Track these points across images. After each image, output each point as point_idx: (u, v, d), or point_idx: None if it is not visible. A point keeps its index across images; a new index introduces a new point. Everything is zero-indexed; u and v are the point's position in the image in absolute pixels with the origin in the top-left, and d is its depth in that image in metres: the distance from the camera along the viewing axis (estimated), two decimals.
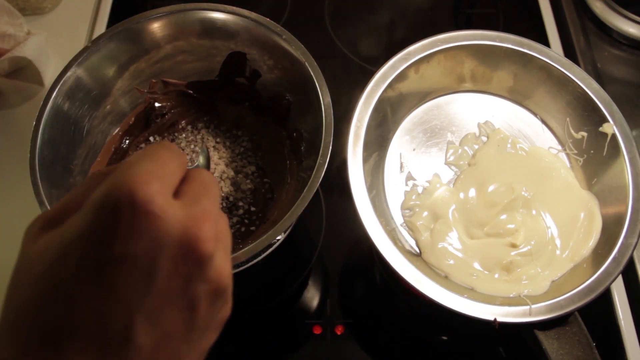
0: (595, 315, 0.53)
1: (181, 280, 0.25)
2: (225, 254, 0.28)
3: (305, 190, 0.47)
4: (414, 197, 0.54)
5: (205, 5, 0.56)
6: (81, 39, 0.76)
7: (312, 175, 0.47)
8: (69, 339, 0.24)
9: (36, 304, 0.24)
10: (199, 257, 0.25)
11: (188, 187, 0.27)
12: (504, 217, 0.53)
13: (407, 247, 0.52)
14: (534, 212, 0.54)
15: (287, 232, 0.54)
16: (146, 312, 0.24)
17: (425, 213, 0.53)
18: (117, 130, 0.59)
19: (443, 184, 0.55)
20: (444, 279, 0.50)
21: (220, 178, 0.58)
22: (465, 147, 0.58)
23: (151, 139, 0.61)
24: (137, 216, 0.23)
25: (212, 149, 0.60)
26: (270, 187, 0.59)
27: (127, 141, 0.60)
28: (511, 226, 0.53)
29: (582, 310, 0.46)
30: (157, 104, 0.61)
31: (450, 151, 0.57)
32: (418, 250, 0.52)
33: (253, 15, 0.55)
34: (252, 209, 0.57)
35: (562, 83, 0.57)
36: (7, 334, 0.25)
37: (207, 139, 0.61)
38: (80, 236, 0.24)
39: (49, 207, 0.46)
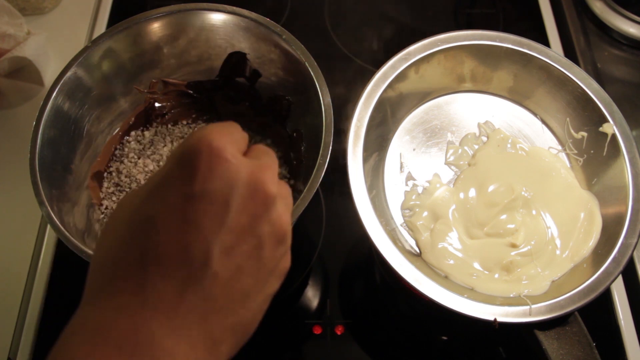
0: (595, 315, 0.53)
1: (250, 218, 0.29)
2: (287, 207, 0.32)
3: (305, 190, 0.47)
4: (414, 197, 0.54)
5: (205, 5, 0.56)
6: (81, 39, 0.76)
7: (312, 175, 0.47)
8: (154, 264, 0.27)
9: (125, 239, 0.28)
10: (264, 197, 0.29)
11: (251, 151, 0.32)
12: (504, 217, 0.53)
13: (407, 247, 0.52)
14: (534, 212, 0.54)
15: None
16: (222, 243, 0.28)
17: (425, 213, 0.53)
18: (117, 130, 0.59)
19: (443, 184, 0.55)
20: (444, 279, 0.50)
21: None
22: (465, 147, 0.58)
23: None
24: (213, 160, 0.28)
25: None
26: None
27: None
28: (511, 226, 0.53)
29: (582, 310, 0.46)
30: (157, 104, 0.61)
31: (450, 151, 0.57)
32: (418, 250, 0.52)
33: (253, 15, 0.55)
34: None
35: (562, 83, 0.57)
36: (99, 267, 0.29)
37: None
38: (164, 180, 0.28)
39: (48, 207, 0.46)
